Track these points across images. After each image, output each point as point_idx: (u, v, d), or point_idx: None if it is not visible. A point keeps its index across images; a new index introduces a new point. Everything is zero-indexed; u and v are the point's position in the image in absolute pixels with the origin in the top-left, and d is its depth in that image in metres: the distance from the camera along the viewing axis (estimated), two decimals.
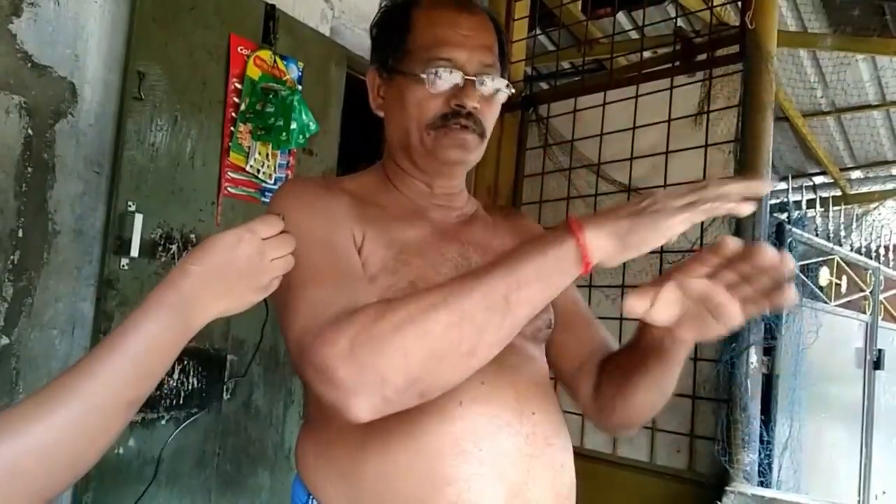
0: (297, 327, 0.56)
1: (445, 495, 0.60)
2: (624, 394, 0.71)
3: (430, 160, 0.72)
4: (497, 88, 0.72)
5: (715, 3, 1.96)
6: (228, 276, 0.55)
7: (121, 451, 1.53)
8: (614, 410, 0.74)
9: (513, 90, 0.75)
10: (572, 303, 0.82)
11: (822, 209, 2.38)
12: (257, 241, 0.56)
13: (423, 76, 0.69)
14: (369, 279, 0.64)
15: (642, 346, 0.67)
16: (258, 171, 1.82)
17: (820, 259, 2.18)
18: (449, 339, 0.50)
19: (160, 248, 1.61)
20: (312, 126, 1.78)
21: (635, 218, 0.48)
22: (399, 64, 0.73)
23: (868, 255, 2.77)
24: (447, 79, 0.69)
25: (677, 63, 1.85)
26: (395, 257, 0.67)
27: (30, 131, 1.44)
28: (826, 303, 2.23)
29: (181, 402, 1.65)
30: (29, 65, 1.43)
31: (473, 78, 0.70)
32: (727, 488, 1.46)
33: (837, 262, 2.34)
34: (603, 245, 0.49)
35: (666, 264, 1.73)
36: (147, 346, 0.50)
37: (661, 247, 2.03)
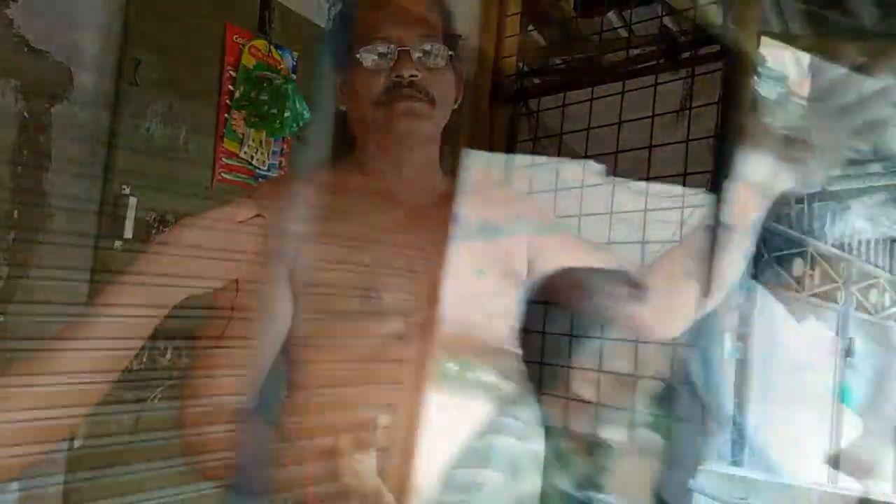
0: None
1: None
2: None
3: (386, 137, 0.75)
4: (436, 56, 0.74)
5: (699, 3, 2.01)
6: (200, 257, 0.58)
7: (113, 428, 1.55)
8: (652, 304, 0.80)
9: (451, 53, 0.76)
10: (569, 270, 0.86)
11: (799, 203, 2.47)
12: (232, 224, 0.60)
13: (359, 57, 0.73)
14: (315, 278, 0.70)
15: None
16: (252, 157, 1.84)
17: (795, 250, 2.26)
18: None
19: (154, 232, 1.64)
20: (306, 115, 1.81)
21: None
22: (348, 57, 0.77)
23: (842, 248, 2.87)
24: (380, 53, 0.73)
25: (661, 60, 1.90)
26: (346, 245, 0.71)
27: (25, 114, 1.45)
28: (799, 292, 2.31)
29: (173, 381, 1.68)
30: (25, 48, 1.44)
31: (408, 48, 0.73)
32: (699, 467, 1.53)
33: (811, 254, 2.42)
34: None
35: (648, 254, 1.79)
36: (119, 321, 0.52)
37: (643, 236, 2.05)
